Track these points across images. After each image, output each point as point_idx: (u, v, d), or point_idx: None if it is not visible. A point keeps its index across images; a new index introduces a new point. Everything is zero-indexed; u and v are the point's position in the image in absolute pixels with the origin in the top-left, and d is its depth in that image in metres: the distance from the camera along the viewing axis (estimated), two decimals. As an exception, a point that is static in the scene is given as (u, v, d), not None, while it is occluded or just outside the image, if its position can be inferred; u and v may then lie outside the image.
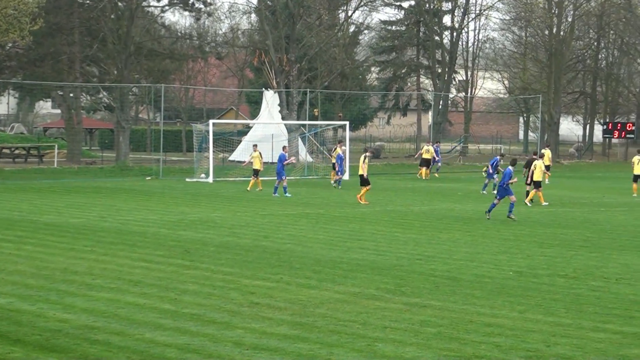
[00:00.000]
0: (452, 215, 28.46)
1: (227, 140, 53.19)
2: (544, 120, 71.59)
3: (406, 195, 37.10)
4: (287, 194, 33.79)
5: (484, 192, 36.25)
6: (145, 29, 55.39)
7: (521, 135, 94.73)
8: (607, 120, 77.34)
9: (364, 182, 31.21)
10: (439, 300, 14.37)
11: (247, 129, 61.95)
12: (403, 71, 76.23)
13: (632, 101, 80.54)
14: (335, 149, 41.31)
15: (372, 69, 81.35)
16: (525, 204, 31.06)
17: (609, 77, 78.81)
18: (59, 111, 72.65)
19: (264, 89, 57.52)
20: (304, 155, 52.79)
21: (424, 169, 46.62)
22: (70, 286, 15.24)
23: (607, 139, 78.96)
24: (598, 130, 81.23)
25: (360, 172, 31.65)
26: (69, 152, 54.45)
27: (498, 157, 36.59)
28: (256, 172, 36.28)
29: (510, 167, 26.87)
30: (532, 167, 31.36)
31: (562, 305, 14.06)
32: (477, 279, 16.36)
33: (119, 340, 11.61)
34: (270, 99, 55.95)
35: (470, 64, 77.01)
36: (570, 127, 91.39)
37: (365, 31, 76.60)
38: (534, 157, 33.20)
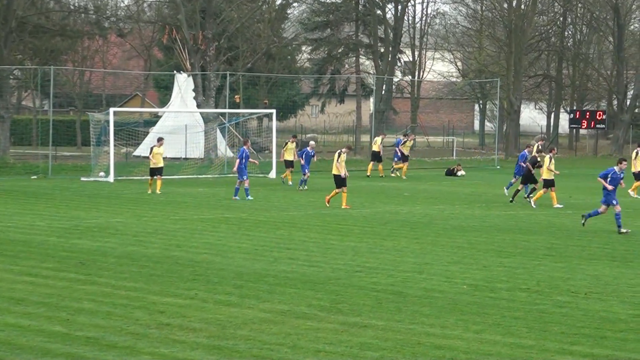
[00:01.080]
0: (397, 220, 28.74)
1: (132, 132, 53.05)
2: (503, 107, 72.83)
3: (341, 196, 37.23)
4: (248, 197, 34.16)
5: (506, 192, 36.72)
6: (30, 1, 54.64)
7: (477, 126, 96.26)
8: (575, 108, 79.16)
9: (340, 183, 31.57)
10: (382, 319, 14.52)
11: (155, 118, 62.59)
12: (339, 51, 76.15)
13: (602, 86, 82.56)
14: (287, 143, 42.57)
15: (303, 48, 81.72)
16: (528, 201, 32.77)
17: (576, 57, 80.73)
18: None
19: (175, 71, 58.45)
20: (223, 149, 53.02)
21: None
22: None
23: (575, 130, 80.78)
24: (564, 119, 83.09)
25: (335, 172, 32.02)
26: None
27: (526, 152, 36.70)
28: (157, 171, 36.39)
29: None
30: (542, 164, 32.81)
31: (524, 324, 14.33)
32: (426, 294, 16.58)
33: None
34: (183, 84, 56.58)
35: (417, 43, 78.30)
36: (532, 116, 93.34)
37: (295, 4, 77.08)
38: (540, 154, 34.80)
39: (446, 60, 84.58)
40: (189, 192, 37.77)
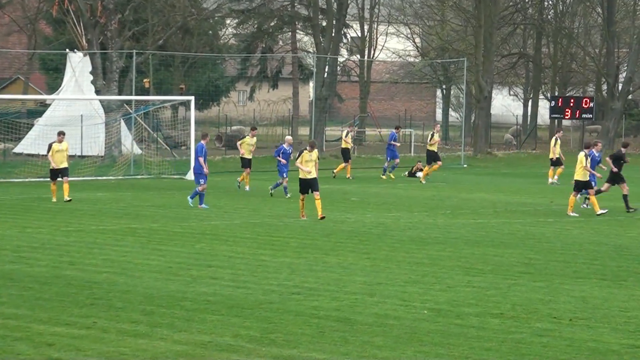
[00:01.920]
0: (343, 231, 29.10)
1: (12, 125, 54.49)
2: (470, 93, 74.03)
3: (278, 201, 37.84)
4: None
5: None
6: None
7: (439, 116, 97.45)
8: (557, 94, 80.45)
9: (304, 188, 32.46)
10: (324, 351, 14.68)
11: (42, 107, 64.03)
12: (272, 24, 77.75)
13: (589, 67, 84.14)
14: (246, 137, 45.09)
15: (228, 21, 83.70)
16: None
17: (558, 33, 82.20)
18: None
19: (68, 50, 60.07)
20: (129, 145, 54.30)
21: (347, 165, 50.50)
22: None
23: (556, 121, 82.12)
24: (544, 108, 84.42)
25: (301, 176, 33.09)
26: None
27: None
28: (59, 173, 36.91)
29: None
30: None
31: (497, 356, 14.51)
32: (379, 321, 16.75)
33: None
34: (78, 65, 57.98)
35: (367, 15, 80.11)
36: (506, 104, 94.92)
37: None
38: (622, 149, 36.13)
39: (402, 36, 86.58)
40: (86, 197, 38.06)
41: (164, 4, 65.57)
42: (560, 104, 74.48)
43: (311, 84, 79.36)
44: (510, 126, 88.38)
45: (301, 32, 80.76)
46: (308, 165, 32.26)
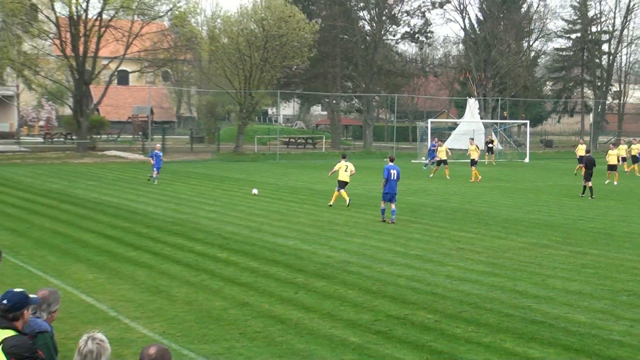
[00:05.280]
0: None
1: (441, 134, 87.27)
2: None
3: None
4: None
5: None
6: (384, 55, 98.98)
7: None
8: None
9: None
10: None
11: (455, 125, 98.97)
12: (570, 85, 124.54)
13: None
14: (437, 144, 61.00)
15: (547, 83, 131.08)
16: None
17: None
18: (325, 112, 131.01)
19: (468, 97, 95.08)
20: (496, 143, 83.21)
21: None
22: (333, 233, 27.35)
23: None
24: None
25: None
26: (332, 141, 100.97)
27: None
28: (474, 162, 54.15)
29: None
30: None
31: None
32: None
33: (366, 272, 20.88)
34: (472, 105, 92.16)
35: (622, 79, 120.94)
36: None
37: (542, 56, 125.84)
38: None
39: None
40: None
41: (515, 74, 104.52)
42: None
43: (591, 115, 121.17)
44: None
45: (586, 88, 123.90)
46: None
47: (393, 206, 31.43)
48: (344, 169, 36.59)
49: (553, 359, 14.23)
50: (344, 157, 37.51)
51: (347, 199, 35.99)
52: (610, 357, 14.39)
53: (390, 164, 32.28)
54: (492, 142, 71.92)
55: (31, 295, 8.72)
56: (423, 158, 72.59)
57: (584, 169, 43.02)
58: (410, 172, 57.80)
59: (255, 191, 41.52)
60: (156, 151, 48.54)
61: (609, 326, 16.32)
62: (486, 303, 18.13)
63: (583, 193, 42.40)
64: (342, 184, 36.65)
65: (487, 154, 72.94)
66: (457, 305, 17.82)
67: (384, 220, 31.41)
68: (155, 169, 47.78)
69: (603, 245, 26.04)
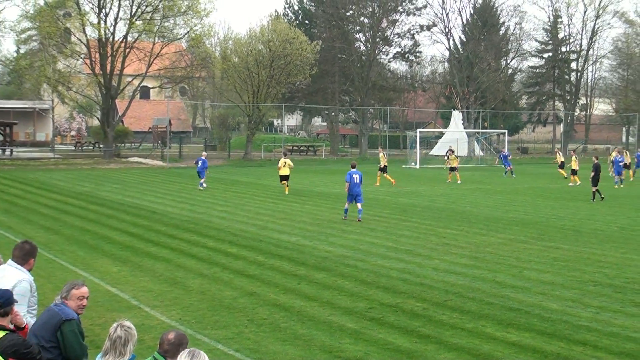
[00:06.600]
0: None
1: (431, 143, 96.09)
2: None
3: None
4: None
5: None
6: (378, 73, 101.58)
7: (623, 139, 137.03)
8: None
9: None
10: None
11: (441, 134, 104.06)
12: (543, 98, 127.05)
13: None
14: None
15: (523, 97, 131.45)
16: None
17: None
18: (325, 123, 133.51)
19: (452, 109, 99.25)
20: (477, 151, 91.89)
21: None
22: (332, 230, 27.82)
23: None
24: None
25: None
26: (331, 148, 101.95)
27: None
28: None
29: None
30: None
31: None
32: None
33: (362, 265, 21.23)
34: (457, 116, 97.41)
35: (589, 93, 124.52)
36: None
37: (519, 73, 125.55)
38: None
39: (606, 103, 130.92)
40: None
41: (494, 90, 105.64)
42: None
43: (561, 125, 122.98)
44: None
45: (557, 102, 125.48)
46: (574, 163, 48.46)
47: (359, 206, 31.48)
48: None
49: (528, 342, 14.25)
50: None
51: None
52: (579, 340, 14.41)
53: (353, 169, 32.34)
54: (452, 151, 70.15)
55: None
56: (413, 164, 75.03)
57: (592, 174, 42.19)
58: (402, 177, 58.11)
59: None
60: (202, 158, 47.67)
61: (578, 313, 16.39)
62: (469, 292, 18.21)
63: (594, 199, 41.69)
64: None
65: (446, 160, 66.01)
66: (443, 295, 17.93)
67: (345, 219, 31.51)
68: (201, 174, 46.52)
69: (572, 241, 26.26)
